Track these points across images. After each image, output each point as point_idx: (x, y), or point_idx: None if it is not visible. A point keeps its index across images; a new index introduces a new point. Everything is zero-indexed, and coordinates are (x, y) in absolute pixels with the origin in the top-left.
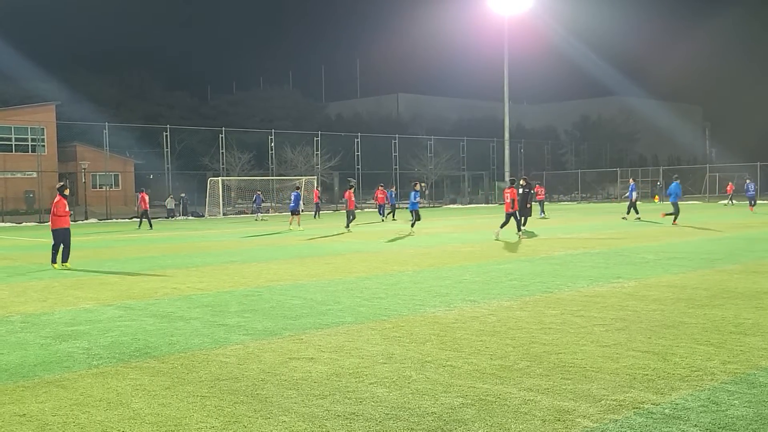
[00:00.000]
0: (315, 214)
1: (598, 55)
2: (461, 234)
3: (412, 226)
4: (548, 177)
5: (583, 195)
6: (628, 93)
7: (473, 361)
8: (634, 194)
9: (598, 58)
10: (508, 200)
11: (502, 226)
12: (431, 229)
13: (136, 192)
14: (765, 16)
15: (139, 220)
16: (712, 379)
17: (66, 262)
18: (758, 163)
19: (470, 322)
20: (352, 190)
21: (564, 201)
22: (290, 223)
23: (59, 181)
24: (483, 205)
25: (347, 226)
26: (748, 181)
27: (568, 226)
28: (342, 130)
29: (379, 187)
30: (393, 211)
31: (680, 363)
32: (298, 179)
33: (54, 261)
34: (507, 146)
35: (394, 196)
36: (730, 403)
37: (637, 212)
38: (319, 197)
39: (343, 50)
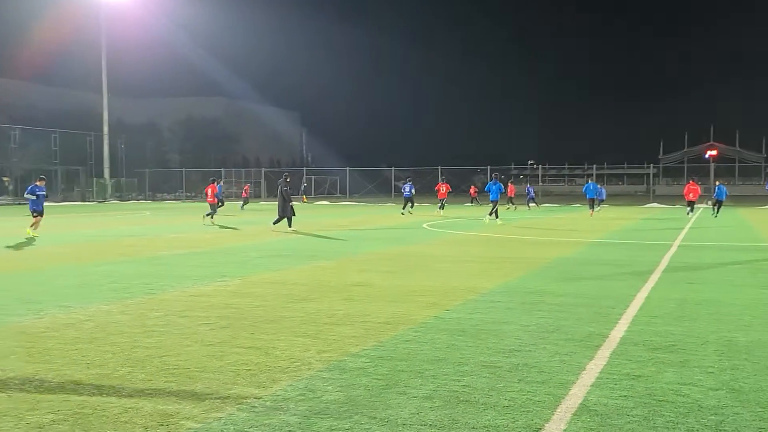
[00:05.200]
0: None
1: (205, 53)
2: (56, 233)
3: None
4: (151, 175)
5: (188, 194)
6: (233, 95)
7: (67, 373)
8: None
9: (206, 56)
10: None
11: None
12: (19, 229)
13: None
14: (353, 32)
15: None
16: (309, 369)
17: None
18: (348, 168)
19: (64, 330)
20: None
21: (168, 200)
22: (33, 226)
23: None
24: (79, 203)
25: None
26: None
27: (174, 226)
28: None
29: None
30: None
31: (281, 356)
32: None
33: None
34: (106, 141)
35: (412, 189)
36: (325, 390)
37: (716, 212)
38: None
39: None
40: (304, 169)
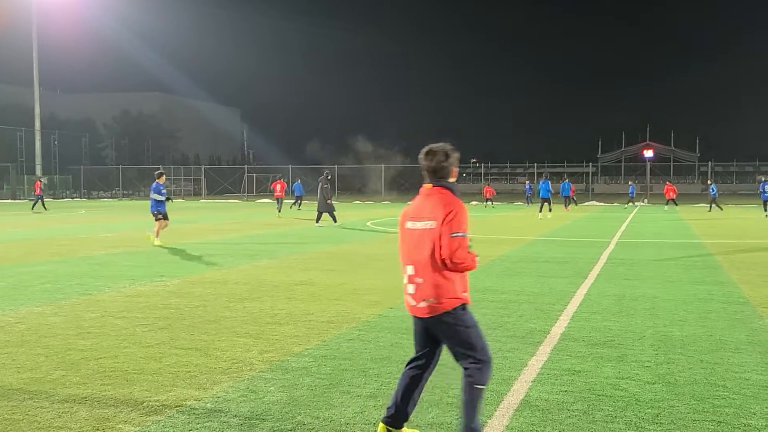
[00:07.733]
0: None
1: (142, 47)
2: None
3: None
4: (86, 172)
5: (125, 192)
6: (171, 90)
7: None
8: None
9: (142, 51)
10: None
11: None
12: None
13: None
14: (298, 31)
15: None
16: (251, 369)
17: None
18: (290, 165)
19: None
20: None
21: (105, 198)
22: (157, 235)
23: None
24: (9, 201)
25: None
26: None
27: (110, 224)
28: None
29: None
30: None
31: (222, 356)
32: None
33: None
34: (38, 137)
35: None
36: (267, 390)
37: (720, 208)
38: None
39: None
40: (246, 167)
